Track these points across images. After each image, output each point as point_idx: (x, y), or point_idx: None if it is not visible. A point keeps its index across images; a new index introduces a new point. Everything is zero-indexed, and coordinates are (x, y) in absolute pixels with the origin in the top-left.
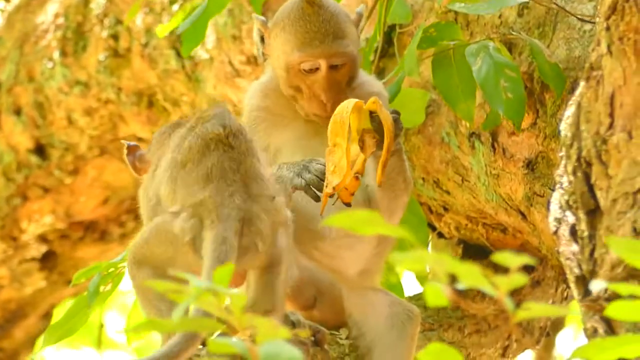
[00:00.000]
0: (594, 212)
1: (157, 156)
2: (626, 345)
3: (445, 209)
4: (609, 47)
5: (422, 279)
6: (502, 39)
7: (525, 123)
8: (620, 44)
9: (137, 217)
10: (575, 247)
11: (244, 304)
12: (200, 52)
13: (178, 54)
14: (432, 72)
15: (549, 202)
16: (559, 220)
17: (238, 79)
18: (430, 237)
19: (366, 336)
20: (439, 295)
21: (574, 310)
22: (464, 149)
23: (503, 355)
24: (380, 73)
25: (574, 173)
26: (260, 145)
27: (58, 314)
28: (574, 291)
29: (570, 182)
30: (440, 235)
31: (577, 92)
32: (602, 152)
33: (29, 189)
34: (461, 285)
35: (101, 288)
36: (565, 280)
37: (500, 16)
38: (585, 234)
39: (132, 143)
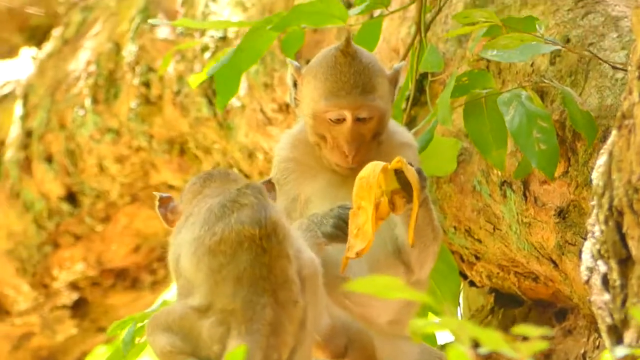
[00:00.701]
0: (625, 262)
1: (188, 211)
2: None
3: (477, 258)
4: None
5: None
6: (534, 87)
7: (557, 171)
8: None
9: (167, 265)
10: (607, 297)
11: None
12: (232, 100)
13: (210, 102)
14: (464, 120)
15: (580, 251)
16: (590, 270)
17: (270, 127)
18: (461, 285)
19: None
20: (463, 358)
21: None
22: (495, 197)
23: None
24: (412, 121)
25: (606, 222)
26: (290, 195)
27: None
28: (606, 341)
29: (602, 231)
30: (472, 284)
31: (609, 140)
32: (634, 201)
33: (60, 237)
34: (483, 350)
35: (136, 339)
36: (597, 329)
37: (532, 64)
38: (617, 283)
39: (165, 194)
